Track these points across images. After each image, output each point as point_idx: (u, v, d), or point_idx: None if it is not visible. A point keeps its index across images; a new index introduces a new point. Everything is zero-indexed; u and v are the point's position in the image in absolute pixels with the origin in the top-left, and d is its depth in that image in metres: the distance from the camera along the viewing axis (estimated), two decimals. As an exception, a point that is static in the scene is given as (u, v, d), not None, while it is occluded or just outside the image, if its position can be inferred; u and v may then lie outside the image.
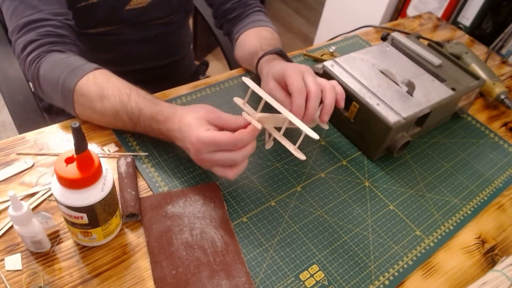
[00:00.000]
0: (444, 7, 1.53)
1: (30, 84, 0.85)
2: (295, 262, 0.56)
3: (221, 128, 0.56)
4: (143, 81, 0.67)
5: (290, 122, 0.56)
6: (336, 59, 0.76)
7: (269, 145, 0.60)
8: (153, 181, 0.61)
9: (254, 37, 0.79)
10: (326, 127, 0.66)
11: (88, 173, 0.45)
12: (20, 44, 0.65)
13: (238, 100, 0.60)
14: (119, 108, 0.61)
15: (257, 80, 0.72)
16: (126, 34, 0.83)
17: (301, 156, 0.56)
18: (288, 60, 0.73)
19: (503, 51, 1.11)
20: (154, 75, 0.95)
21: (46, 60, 0.64)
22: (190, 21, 1.08)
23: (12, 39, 0.67)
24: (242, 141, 0.54)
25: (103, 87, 0.61)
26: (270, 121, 0.58)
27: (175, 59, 0.97)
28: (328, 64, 0.74)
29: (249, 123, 0.55)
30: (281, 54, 0.73)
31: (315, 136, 0.53)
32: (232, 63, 1.07)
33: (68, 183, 0.45)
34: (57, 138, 0.65)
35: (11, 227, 0.53)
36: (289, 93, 0.62)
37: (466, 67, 0.81)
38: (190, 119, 0.56)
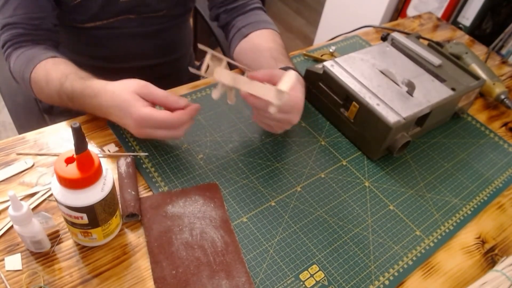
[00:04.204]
0: (444, 7, 1.53)
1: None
2: (295, 262, 0.56)
3: (152, 103, 0.60)
4: (141, 79, 0.67)
5: (250, 83, 0.58)
6: (336, 59, 0.76)
7: (232, 101, 0.63)
8: (153, 181, 0.61)
9: (271, 41, 0.77)
10: (272, 110, 0.58)
11: (88, 173, 0.45)
12: (0, 42, 0.73)
13: (193, 70, 0.62)
14: (58, 88, 0.65)
15: None
16: (123, 28, 0.83)
17: (279, 100, 0.56)
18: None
19: (503, 51, 1.11)
20: (153, 73, 0.95)
21: (14, 54, 0.71)
22: (190, 22, 1.08)
23: None
24: (181, 121, 0.59)
25: (48, 72, 0.66)
26: (230, 77, 0.59)
27: (174, 58, 0.97)
28: (328, 64, 0.74)
29: (180, 104, 0.59)
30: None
31: (274, 100, 0.55)
32: (232, 63, 1.07)
33: (68, 183, 0.45)
34: (57, 138, 0.65)
35: (11, 227, 0.53)
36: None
37: (466, 67, 0.81)
38: (125, 94, 0.59)
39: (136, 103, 0.58)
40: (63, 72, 0.65)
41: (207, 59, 0.60)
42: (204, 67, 0.60)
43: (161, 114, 0.58)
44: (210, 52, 0.59)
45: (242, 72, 0.65)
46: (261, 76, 0.60)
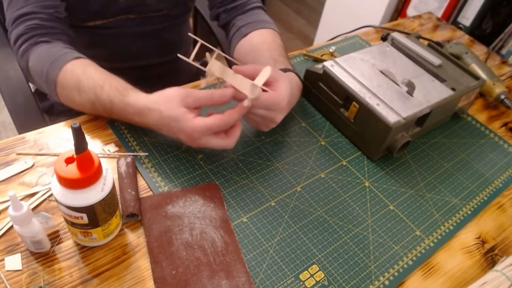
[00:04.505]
0: (444, 7, 1.53)
1: (30, 84, 0.85)
2: (295, 262, 0.56)
3: (199, 107, 0.59)
4: (141, 79, 0.67)
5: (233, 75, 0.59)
6: (336, 59, 0.76)
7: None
8: (153, 181, 0.61)
9: (271, 42, 0.77)
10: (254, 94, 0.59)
11: (88, 173, 0.45)
12: (12, 37, 0.69)
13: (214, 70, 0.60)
14: (94, 100, 0.62)
15: None
16: (123, 28, 0.83)
17: (252, 94, 0.57)
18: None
19: (503, 51, 1.11)
20: (152, 73, 0.95)
21: (33, 52, 0.67)
22: (190, 21, 1.08)
23: (8, 31, 0.71)
24: (233, 120, 0.58)
25: (80, 79, 0.63)
26: (220, 69, 0.60)
27: (174, 57, 0.97)
28: (328, 64, 0.74)
29: (227, 95, 0.58)
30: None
31: (248, 93, 0.56)
32: (232, 63, 1.07)
33: (68, 183, 0.45)
34: (57, 138, 0.65)
35: (11, 227, 0.53)
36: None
37: (466, 67, 0.81)
38: (173, 111, 0.57)
39: (186, 117, 0.57)
40: (96, 81, 0.62)
41: (197, 48, 0.61)
42: (192, 55, 0.60)
43: (212, 119, 0.57)
44: (200, 41, 0.60)
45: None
46: (243, 70, 0.61)
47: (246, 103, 0.58)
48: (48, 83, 0.66)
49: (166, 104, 0.58)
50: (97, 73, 0.64)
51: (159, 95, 0.59)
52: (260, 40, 0.78)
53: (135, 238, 0.55)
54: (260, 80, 0.58)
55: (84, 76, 0.63)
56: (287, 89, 0.63)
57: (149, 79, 0.71)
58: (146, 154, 0.65)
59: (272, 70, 0.63)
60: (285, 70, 0.69)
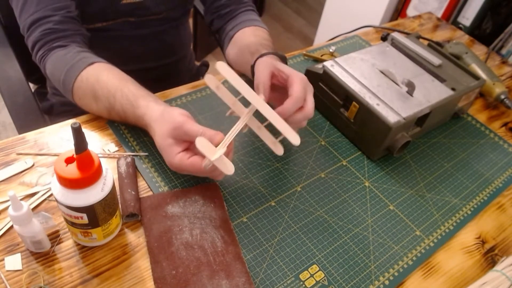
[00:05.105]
0: (444, 7, 1.53)
1: (31, 84, 0.85)
2: (295, 262, 0.56)
3: (190, 142, 0.57)
4: (142, 81, 0.67)
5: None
6: (336, 59, 0.76)
7: (245, 129, 0.59)
8: (153, 181, 0.61)
9: (251, 36, 0.78)
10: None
11: (88, 173, 0.45)
12: (29, 44, 0.70)
13: (210, 82, 0.57)
14: (109, 108, 0.64)
15: (249, 83, 0.71)
16: (123, 30, 0.83)
17: (279, 151, 0.57)
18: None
19: (503, 51, 1.11)
20: (153, 75, 0.95)
21: (49, 59, 0.69)
22: (190, 22, 1.08)
23: (24, 37, 0.71)
24: (209, 173, 0.57)
25: (94, 89, 0.64)
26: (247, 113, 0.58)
27: (174, 60, 0.97)
28: (328, 64, 0.74)
29: (218, 138, 0.54)
30: (282, 58, 0.72)
31: (294, 140, 0.55)
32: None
33: (68, 183, 0.45)
34: (57, 138, 0.65)
35: (11, 227, 0.53)
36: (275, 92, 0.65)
37: (466, 67, 0.81)
38: (161, 140, 0.57)
39: (168, 150, 0.57)
40: (109, 90, 0.63)
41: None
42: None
43: (190, 163, 0.55)
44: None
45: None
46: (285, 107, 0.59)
47: (204, 162, 0.55)
48: (66, 92, 0.68)
49: (160, 127, 0.58)
50: (109, 80, 0.63)
51: (161, 114, 0.58)
52: (241, 39, 0.79)
53: (135, 238, 0.55)
54: (218, 153, 0.54)
55: (98, 85, 0.63)
56: (299, 91, 0.61)
57: (149, 81, 0.70)
58: (146, 154, 0.65)
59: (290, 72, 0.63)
60: (262, 56, 0.69)
